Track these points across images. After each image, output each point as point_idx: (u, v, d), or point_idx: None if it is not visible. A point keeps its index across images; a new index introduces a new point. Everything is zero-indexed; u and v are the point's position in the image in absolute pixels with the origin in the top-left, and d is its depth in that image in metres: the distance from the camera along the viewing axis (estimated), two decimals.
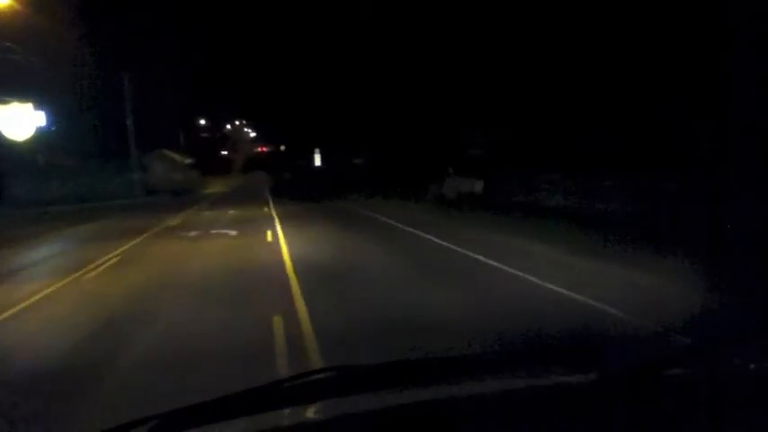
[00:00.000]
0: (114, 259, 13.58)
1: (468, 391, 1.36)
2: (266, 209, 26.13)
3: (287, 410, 1.24)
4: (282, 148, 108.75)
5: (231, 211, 25.03)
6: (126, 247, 16.00)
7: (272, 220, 21.05)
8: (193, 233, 18.14)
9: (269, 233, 17.10)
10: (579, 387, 1.34)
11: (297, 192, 36.97)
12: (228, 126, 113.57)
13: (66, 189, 39.48)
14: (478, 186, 27.53)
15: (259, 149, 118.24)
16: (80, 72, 40.68)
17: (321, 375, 1.35)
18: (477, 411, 1.22)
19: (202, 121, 70.36)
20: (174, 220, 21.84)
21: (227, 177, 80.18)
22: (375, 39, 43.40)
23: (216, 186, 59.64)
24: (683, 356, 1.51)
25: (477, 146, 34.98)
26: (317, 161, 53.13)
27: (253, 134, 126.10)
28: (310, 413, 1.23)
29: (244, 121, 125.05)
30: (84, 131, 42.31)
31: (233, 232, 17.98)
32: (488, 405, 1.26)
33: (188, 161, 79.15)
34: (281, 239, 15.70)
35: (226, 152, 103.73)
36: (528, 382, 1.42)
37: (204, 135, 74.21)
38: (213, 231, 18.35)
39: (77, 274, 11.59)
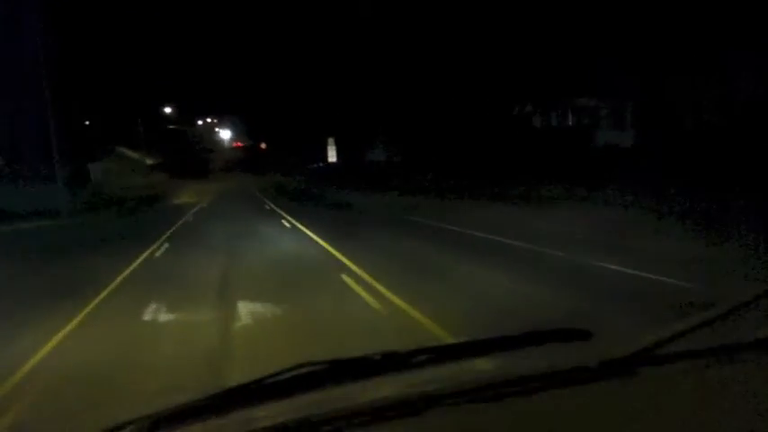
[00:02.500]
0: None
1: (461, 376, 1.32)
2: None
3: (270, 406, 1.20)
4: (263, 145, 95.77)
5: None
6: None
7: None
8: None
9: None
10: (574, 372, 1.29)
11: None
12: (200, 122, 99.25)
13: None
14: None
15: (235, 145, 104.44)
16: None
17: (303, 370, 1.25)
18: (470, 399, 1.20)
19: (168, 110, 56.48)
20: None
21: (205, 181, 66.45)
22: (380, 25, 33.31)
23: (189, 194, 45.98)
24: (675, 338, 1.33)
25: None
26: (332, 156, 39.81)
27: (226, 132, 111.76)
28: (293, 408, 1.17)
29: (215, 120, 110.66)
30: None
31: None
32: (481, 392, 1.22)
33: (151, 161, 65.06)
34: None
35: (201, 149, 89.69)
36: (519, 368, 1.33)
37: (172, 127, 60.19)
38: None
39: None
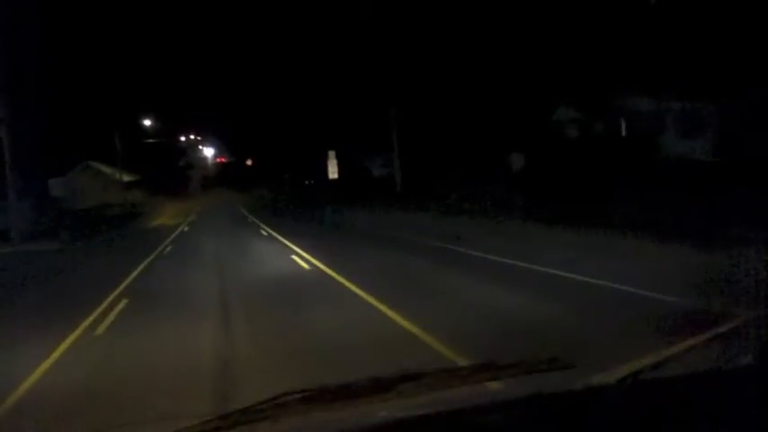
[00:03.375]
0: None
1: (451, 404, 1.30)
2: None
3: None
4: (250, 161, 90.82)
5: None
6: None
7: None
8: None
9: None
10: (563, 395, 1.31)
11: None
12: (183, 138, 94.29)
13: None
14: None
15: (218, 161, 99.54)
16: None
17: (289, 398, 1.27)
18: (452, 426, 1.20)
19: (148, 122, 51.57)
20: None
21: (187, 199, 61.21)
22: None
23: (169, 213, 40.96)
24: (663, 362, 1.39)
25: None
26: (332, 172, 34.77)
27: (209, 150, 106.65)
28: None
29: (198, 137, 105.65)
30: None
31: None
32: (470, 417, 1.23)
33: (129, 178, 59.67)
34: None
35: (183, 165, 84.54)
36: (509, 392, 1.41)
37: (151, 141, 55.08)
38: None
39: None
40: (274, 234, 18.57)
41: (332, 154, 34.94)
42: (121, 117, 55.59)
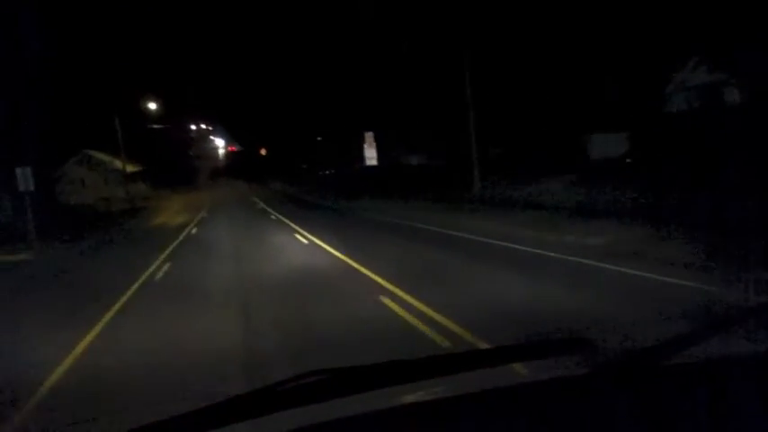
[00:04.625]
0: None
1: (461, 388, 1.30)
2: None
3: (282, 414, 1.19)
4: (263, 151, 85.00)
5: None
6: None
7: None
8: None
9: None
10: (572, 380, 1.30)
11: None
12: (193, 126, 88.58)
13: None
14: None
15: (229, 149, 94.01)
16: None
17: (314, 378, 1.24)
18: (473, 409, 1.21)
19: (152, 106, 45.35)
20: None
21: (194, 192, 55.34)
22: None
23: (176, 209, 35.24)
24: (678, 344, 1.36)
25: None
26: (370, 158, 28.52)
27: (219, 140, 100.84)
28: (306, 417, 1.16)
29: (209, 127, 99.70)
30: None
31: None
32: (485, 402, 1.24)
33: (132, 168, 53.53)
34: None
35: (194, 155, 79.02)
36: (520, 377, 1.42)
37: (156, 126, 49.05)
38: None
39: None
40: (338, 253, 12.48)
41: (369, 137, 28.87)
42: (123, 101, 49.65)
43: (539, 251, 9.58)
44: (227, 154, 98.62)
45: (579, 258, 8.58)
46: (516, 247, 10.28)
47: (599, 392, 1.24)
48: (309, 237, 14.43)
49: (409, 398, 1.25)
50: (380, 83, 32.22)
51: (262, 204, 32.40)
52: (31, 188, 19.84)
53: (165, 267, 11.19)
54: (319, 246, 12.68)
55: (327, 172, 52.69)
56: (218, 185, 69.08)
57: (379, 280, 8.05)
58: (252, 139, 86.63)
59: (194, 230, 19.61)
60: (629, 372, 1.28)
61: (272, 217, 23.12)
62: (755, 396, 1.19)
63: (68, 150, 47.55)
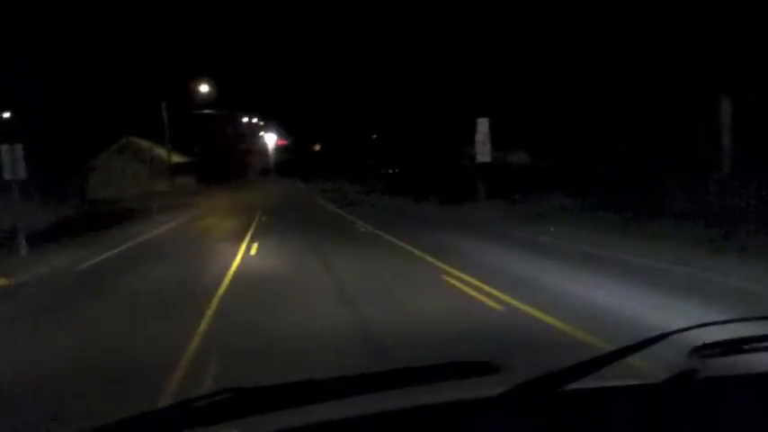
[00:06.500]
0: None
1: (363, 409, 1.29)
2: None
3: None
4: (317, 147, 78.93)
5: None
6: None
7: None
8: None
9: None
10: (478, 402, 1.31)
11: None
12: (245, 119, 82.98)
13: None
14: None
15: (279, 143, 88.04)
16: None
17: (224, 396, 1.23)
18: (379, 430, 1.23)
19: (204, 88, 39.03)
20: None
21: (243, 189, 49.10)
22: None
23: (221, 212, 28.83)
24: (581, 368, 1.33)
25: None
26: (483, 152, 21.20)
27: (271, 135, 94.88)
28: None
29: (260, 121, 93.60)
30: None
31: None
32: (390, 423, 1.25)
33: (180, 159, 47.67)
34: None
35: (244, 149, 73.58)
36: (425, 398, 1.35)
37: (207, 111, 42.93)
38: None
39: None
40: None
41: (483, 125, 21.70)
42: (172, 87, 43.77)
43: None
44: (278, 149, 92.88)
45: None
46: None
47: (498, 417, 1.23)
48: (471, 281, 7.41)
49: (315, 416, 1.22)
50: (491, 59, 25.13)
51: (335, 208, 25.62)
52: (22, 175, 13.63)
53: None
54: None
55: (391, 171, 46.04)
56: (269, 182, 63.14)
57: None
58: (305, 134, 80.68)
59: (254, 248, 12.77)
60: (531, 396, 1.26)
61: (363, 230, 16.18)
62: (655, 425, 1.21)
63: (108, 138, 42.17)
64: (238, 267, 10.31)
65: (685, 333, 1.41)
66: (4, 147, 13.10)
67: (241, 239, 14.51)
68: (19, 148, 13.07)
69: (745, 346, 1.35)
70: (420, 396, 1.34)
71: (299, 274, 9.69)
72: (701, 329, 1.43)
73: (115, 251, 13.79)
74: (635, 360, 1.34)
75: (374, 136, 50.29)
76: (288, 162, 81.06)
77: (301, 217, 21.75)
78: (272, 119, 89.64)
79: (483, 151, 21.17)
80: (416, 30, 31.78)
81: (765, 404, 1.20)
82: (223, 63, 68.84)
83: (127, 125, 42.31)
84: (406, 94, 33.22)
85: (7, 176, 12.98)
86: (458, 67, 27.63)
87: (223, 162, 58.74)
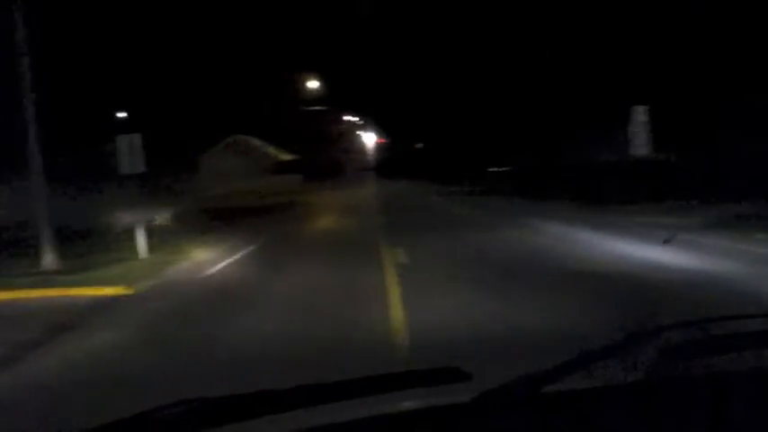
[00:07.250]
0: None
1: (332, 418, 1.27)
2: None
3: None
4: (419, 145, 76.46)
5: None
6: None
7: None
8: None
9: None
10: (450, 409, 1.30)
11: None
12: (346, 117, 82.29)
13: None
14: None
15: (378, 141, 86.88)
16: None
17: (183, 408, 1.19)
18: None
19: (314, 84, 37.14)
20: None
21: (348, 188, 47.05)
22: None
23: (330, 212, 26.63)
24: (558, 371, 1.33)
25: None
26: (640, 144, 17.42)
27: (370, 135, 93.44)
28: None
29: (360, 120, 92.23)
30: None
31: None
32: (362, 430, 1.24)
33: (287, 156, 46.64)
34: None
35: (342, 147, 72.91)
36: (395, 405, 1.36)
37: (316, 108, 41.60)
38: None
39: None
40: None
41: (639, 113, 17.88)
42: (278, 84, 42.75)
43: None
44: (376, 147, 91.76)
45: None
46: None
47: (472, 422, 1.21)
48: None
49: (285, 426, 1.20)
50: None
51: (467, 210, 22.35)
52: (141, 168, 12.01)
53: None
54: None
55: (494, 169, 42.33)
56: (371, 182, 61.25)
57: None
58: (405, 132, 78.55)
59: (400, 254, 10.07)
60: (506, 401, 1.25)
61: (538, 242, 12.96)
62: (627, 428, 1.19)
63: (216, 135, 41.83)
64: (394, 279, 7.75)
65: (664, 333, 1.37)
66: (122, 137, 11.44)
67: (377, 243, 12.11)
68: (137, 137, 11.33)
69: (722, 345, 1.33)
70: (393, 404, 1.31)
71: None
72: (681, 329, 1.39)
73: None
74: (611, 361, 1.31)
75: (481, 134, 47.11)
76: (387, 160, 79.21)
77: (443, 224, 18.50)
78: (371, 116, 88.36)
79: (639, 143, 17.43)
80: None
81: (736, 406, 1.18)
82: (326, 60, 68.11)
83: (233, 122, 41.86)
84: (524, 88, 29.86)
85: (125, 170, 11.30)
86: (599, 56, 23.99)
87: (326, 160, 57.67)
